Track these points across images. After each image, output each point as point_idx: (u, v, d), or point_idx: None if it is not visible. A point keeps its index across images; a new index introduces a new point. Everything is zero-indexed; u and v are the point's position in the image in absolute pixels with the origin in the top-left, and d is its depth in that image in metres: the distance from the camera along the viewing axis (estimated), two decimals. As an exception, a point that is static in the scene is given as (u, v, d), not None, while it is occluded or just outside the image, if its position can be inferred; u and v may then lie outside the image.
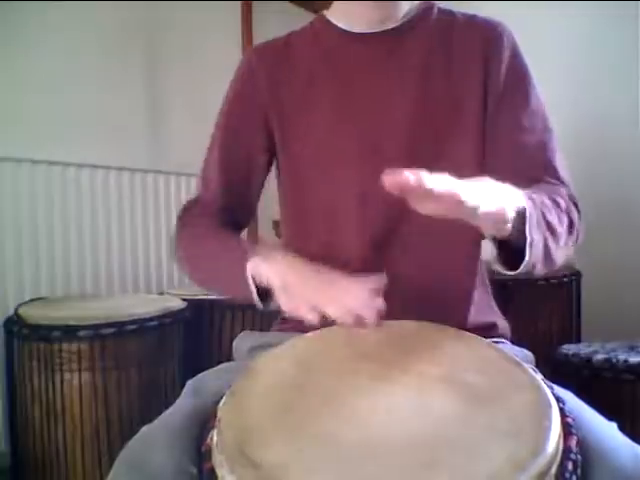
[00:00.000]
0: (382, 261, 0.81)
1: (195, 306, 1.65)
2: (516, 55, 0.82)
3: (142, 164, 2.02)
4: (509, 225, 0.61)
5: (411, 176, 0.52)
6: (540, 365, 0.71)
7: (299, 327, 0.77)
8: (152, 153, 2.11)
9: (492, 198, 0.58)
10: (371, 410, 0.51)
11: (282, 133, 0.86)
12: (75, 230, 1.80)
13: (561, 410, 0.50)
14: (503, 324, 0.87)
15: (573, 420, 0.51)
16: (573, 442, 0.48)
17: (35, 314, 1.42)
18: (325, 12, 0.91)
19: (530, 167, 0.79)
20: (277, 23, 2.18)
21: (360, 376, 0.56)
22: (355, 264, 0.81)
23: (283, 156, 0.88)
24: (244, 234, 0.98)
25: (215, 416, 0.53)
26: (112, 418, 1.37)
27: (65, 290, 1.76)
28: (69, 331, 1.35)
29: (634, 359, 1.36)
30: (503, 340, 0.84)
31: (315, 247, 0.86)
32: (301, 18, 0.98)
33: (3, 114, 1.65)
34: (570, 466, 0.45)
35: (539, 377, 0.56)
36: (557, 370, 1.46)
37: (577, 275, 2.04)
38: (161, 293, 1.87)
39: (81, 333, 1.35)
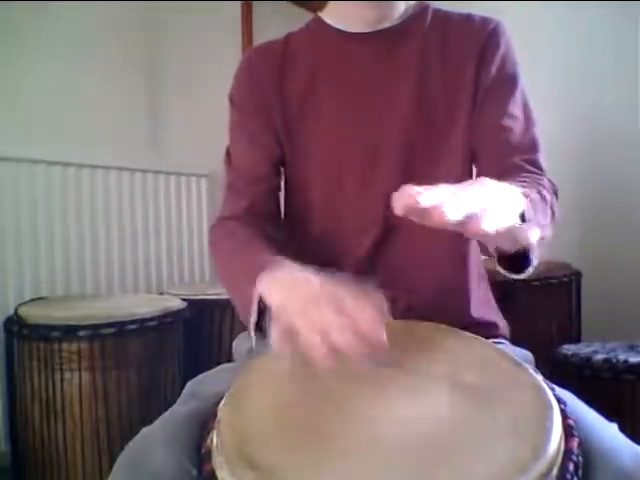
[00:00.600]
0: (382, 261, 0.82)
1: (195, 306, 1.65)
2: (507, 52, 0.83)
3: (142, 164, 2.02)
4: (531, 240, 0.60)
5: (423, 199, 0.47)
6: (540, 365, 0.72)
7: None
8: (152, 153, 2.11)
9: (508, 209, 0.55)
10: (371, 410, 0.51)
11: (285, 134, 0.86)
12: (75, 230, 1.79)
13: (562, 411, 0.50)
14: (503, 323, 0.87)
15: (574, 421, 0.51)
16: (574, 443, 0.48)
17: (35, 314, 1.42)
18: (320, 13, 0.90)
19: (512, 153, 0.80)
20: (277, 23, 2.18)
21: (360, 376, 0.56)
22: (355, 264, 0.81)
23: (286, 156, 0.88)
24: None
25: (215, 417, 0.53)
26: (112, 418, 1.37)
27: (65, 290, 1.76)
28: (69, 331, 1.35)
29: (634, 359, 1.36)
30: (503, 340, 0.84)
31: (315, 246, 0.86)
32: (301, 18, 0.98)
33: (3, 114, 1.65)
34: (571, 467, 0.45)
35: (540, 378, 0.56)
36: (557, 370, 1.46)
37: (577, 275, 2.04)
38: (161, 293, 1.87)
39: (81, 333, 1.35)
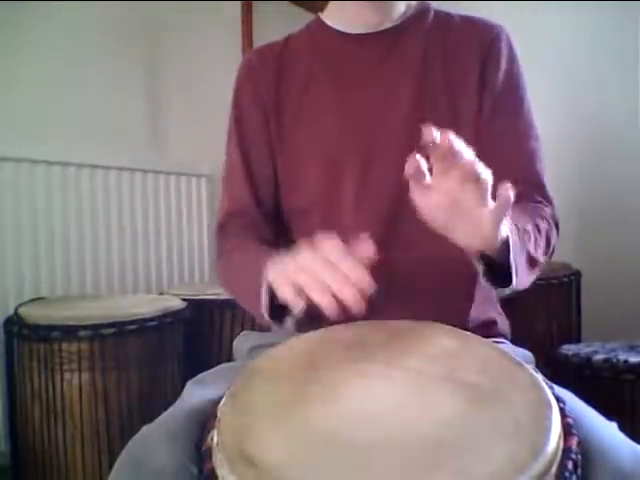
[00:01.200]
0: (381, 261, 0.82)
1: (195, 306, 1.65)
2: (513, 59, 0.83)
3: (142, 164, 2.02)
4: (502, 234, 0.62)
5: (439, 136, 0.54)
6: (540, 365, 0.72)
7: (299, 328, 0.77)
8: (152, 153, 2.11)
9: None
10: (371, 410, 0.51)
11: (280, 134, 0.86)
12: (75, 230, 1.80)
13: (561, 410, 0.50)
14: (503, 322, 0.87)
15: (573, 420, 0.51)
16: (573, 442, 0.48)
17: (35, 314, 1.42)
18: (320, 14, 0.91)
19: (517, 180, 0.80)
20: (277, 23, 2.19)
21: (360, 376, 0.56)
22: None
23: (281, 157, 0.88)
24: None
25: (215, 416, 0.53)
26: (112, 418, 1.37)
27: (65, 290, 1.76)
28: (69, 331, 1.35)
29: (634, 359, 1.36)
30: (503, 340, 0.84)
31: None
32: (301, 18, 0.98)
33: (2, 114, 1.65)
34: (570, 466, 0.45)
35: (539, 377, 0.56)
36: (557, 370, 1.46)
37: (577, 275, 2.04)
38: (161, 293, 1.87)
39: (81, 333, 1.35)
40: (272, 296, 0.67)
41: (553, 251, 0.81)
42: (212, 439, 0.51)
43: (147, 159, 2.05)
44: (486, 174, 0.56)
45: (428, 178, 0.58)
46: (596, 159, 2.32)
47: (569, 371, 1.44)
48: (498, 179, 0.79)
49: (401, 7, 0.86)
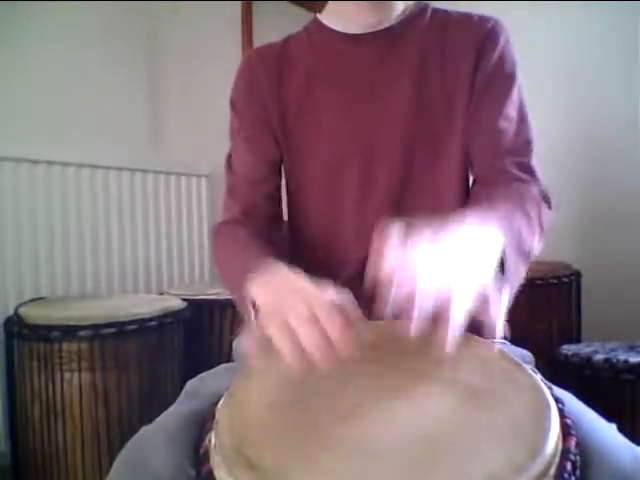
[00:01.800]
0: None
1: (195, 306, 1.65)
2: (506, 50, 0.83)
3: (142, 164, 2.02)
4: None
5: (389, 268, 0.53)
6: (540, 365, 0.72)
7: None
8: (152, 153, 2.11)
9: (473, 277, 0.56)
10: (370, 411, 0.51)
11: (283, 135, 0.86)
12: (75, 230, 1.80)
13: (560, 411, 0.50)
14: (503, 322, 0.87)
15: (572, 421, 0.51)
16: (572, 443, 0.48)
17: (35, 314, 1.42)
18: (318, 15, 0.90)
19: (504, 157, 0.80)
20: (277, 23, 2.19)
21: (359, 377, 0.56)
22: (353, 265, 0.81)
23: (285, 157, 0.88)
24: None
25: (213, 418, 0.53)
26: (112, 418, 1.37)
27: (65, 290, 1.76)
28: (69, 331, 1.35)
29: (634, 359, 1.36)
30: (503, 340, 0.84)
31: (313, 246, 0.86)
32: (301, 18, 0.98)
33: (2, 114, 1.65)
34: (569, 467, 0.45)
35: (538, 377, 0.56)
36: (557, 370, 1.46)
37: (577, 275, 2.04)
38: (161, 293, 1.87)
39: (81, 333, 1.35)
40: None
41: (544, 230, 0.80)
42: (210, 441, 0.50)
43: (147, 159, 2.05)
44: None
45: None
46: (597, 161, 2.32)
47: (569, 371, 1.45)
48: (481, 156, 0.80)
49: (399, 7, 0.86)
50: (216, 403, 0.55)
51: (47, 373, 1.36)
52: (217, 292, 1.71)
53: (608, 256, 2.22)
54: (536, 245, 0.74)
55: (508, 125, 0.81)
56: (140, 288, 2.00)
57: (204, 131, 2.10)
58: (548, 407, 0.49)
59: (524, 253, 0.70)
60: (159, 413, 0.62)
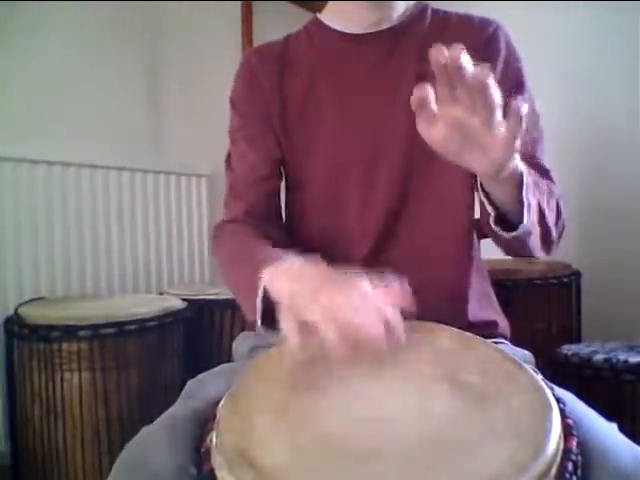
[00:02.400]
0: (383, 262, 0.82)
1: (195, 306, 1.65)
2: (512, 54, 0.83)
3: (142, 164, 2.02)
4: (513, 163, 0.61)
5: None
6: (540, 365, 0.72)
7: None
8: (152, 153, 2.11)
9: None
10: (371, 411, 0.51)
11: (285, 135, 0.86)
12: (75, 230, 1.80)
13: (561, 411, 0.50)
14: (503, 323, 0.87)
15: (573, 421, 0.51)
16: (573, 443, 0.48)
17: (35, 314, 1.42)
18: (318, 15, 0.90)
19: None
20: (277, 23, 2.19)
21: (360, 377, 0.56)
22: (355, 265, 0.81)
23: (287, 155, 0.88)
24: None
25: (214, 417, 0.53)
26: (112, 418, 1.37)
27: (65, 290, 1.76)
28: (69, 331, 1.35)
29: (634, 359, 1.36)
30: (503, 340, 0.84)
31: (315, 246, 0.86)
32: (301, 18, 0.98)
33: (2, 114, 1.65)
34: (570, 467, 0.45)
35: (539, 378, 0.56)
36: (557, 370, 1.46)
37: (577, 275, 2.04)
38: (161, 293, 1.87)
39: (81, 333, 1.35)
40: (266, 297, 0.66)
41: (563, 228, 0.81)
42: (211, 440, 0.50)
43: (147, 159, 2.05)
44: (494, 93, 0.53)
45: (434, 107, 0.56)
46: (596, 159, 2.32)
47: (569, 371, 1.44)
48: None
49: (400, 7, 0.86)
50: (217, 403, 0.55)
51: (47, 373, 1.36)
52: (217, 292, 1.71)
53: (608, 256, 2.22)
54: (553, 215, 0.74)
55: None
56: (140, 288, 2.00)
57: (204, 131, 2.10)
58: (550, 407, 0.49)
59: (542, 198, 0.70)
60: (159, 413, 0.62)
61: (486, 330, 0.81)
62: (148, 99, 2.11)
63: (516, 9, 2.22)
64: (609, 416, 0.58)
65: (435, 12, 0.86)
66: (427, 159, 0.82)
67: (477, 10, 0.89)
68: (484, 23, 0.84)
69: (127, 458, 0.56)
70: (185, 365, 1.55)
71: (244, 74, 0.90)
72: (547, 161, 0.83)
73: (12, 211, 1.63)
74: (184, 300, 1.62)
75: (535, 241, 0.72)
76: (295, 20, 1.04)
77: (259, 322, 0.68)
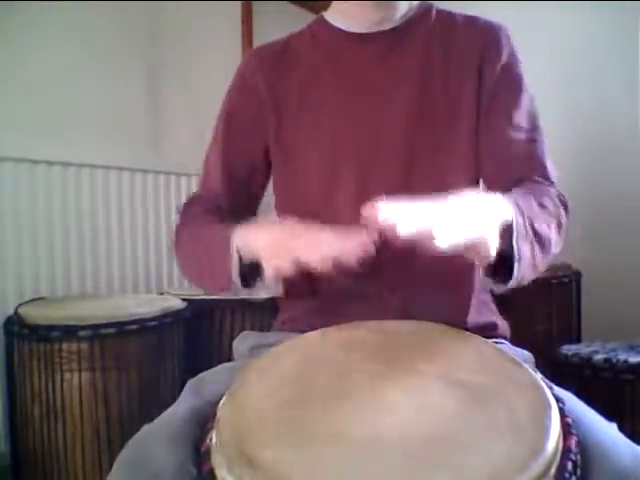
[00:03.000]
0: (380, 262, 0.81)
1: (195, 306, 1.65)
2: (512, 57, 0.83)
3: (142, 164, 2.02)
4: (492, 255, 0.61)
5: (384, 217, 0.55)
6: (540, 365, 0.72)
7: (299, 327, 0.77)
8: (152, 153, 2.11)
9: (475, 222, 0.57)
10: (371, 410, 0.51)
11: (278, 135, 0.86)
12: (75, 230, 1.80)
13: (561, 410, 0.51)
14: (503, 324, 0.87)
15: (573, 420, 0.51)
16: (573, 442, 0.48)
17: (35, 314, 1.42)
18: (324, 13, 0.91)
19: (519, 164, 0.81)
20: (277, 23, 2.19)
21: (360, 376, 0.56)
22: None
23: (280, 156, 0.88)
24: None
25: (214, 416, 0.53)
26: (112, 418, 1.37)
27: (65, 290, 1.76)
28: (69, 331, 1.35)
29: (634, 359, 1.36)
30: (503, 340, 0.84)
31: None
32: (301, 18, 0.98)
33: (2, 113, 1.65)
34: (569, 466, 0.45)
35: (539, 377, 0.56)
36: (557, 370, 1.46)
37: (577, 275, 2.04)
38: (161, 293, 1.87)
39: (81, 333, 1.35)
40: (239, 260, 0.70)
41: (565, 233, 0.80)
42: (211, 439, 0.51)
43: (147, 159, 2.05)
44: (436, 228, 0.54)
45: None
46: (596, 160, 2.32)
47: (569, 371, 1.45)
48: (497, 166, 0.80)
49: (404, 7, 0.86)
50: (217, 402, 0.55)
51: (47, 373, 1.36)
52: (217, 292, 1.71)
53: (608, 256, 2.22)
54: (554, 236, 0.73)
55: (518, 135, 0.80)
56: (140, 288, 2.00)
57: (204, 131, 2.09)
58: (549, 406, 0.49)
59: (539, 235, 0.68)
60: (159, 413, 0.62)
61: (486, 332, 0.81)
62: (148, 99, 2.11)
63: (516, 9, 2.22)
64: (609, 416, 0.58)
65: (440, 12, 0.86)
66: (426, 159, 0.82)
67: (477, 10, 0.89)
68: (488, 25, 0.84)
69: (127, 457, 0.56)
70: (185, 365, 1.55)
71: (242, 74, 0.90)
72: (549, 159, 0.83)
73: (12, 211, 1.63)
74: (184, 300, 1.62)
75: (533, 271, 0.71)
76: (295, 20, 1.05)
77: (238, 282, 0.71)
